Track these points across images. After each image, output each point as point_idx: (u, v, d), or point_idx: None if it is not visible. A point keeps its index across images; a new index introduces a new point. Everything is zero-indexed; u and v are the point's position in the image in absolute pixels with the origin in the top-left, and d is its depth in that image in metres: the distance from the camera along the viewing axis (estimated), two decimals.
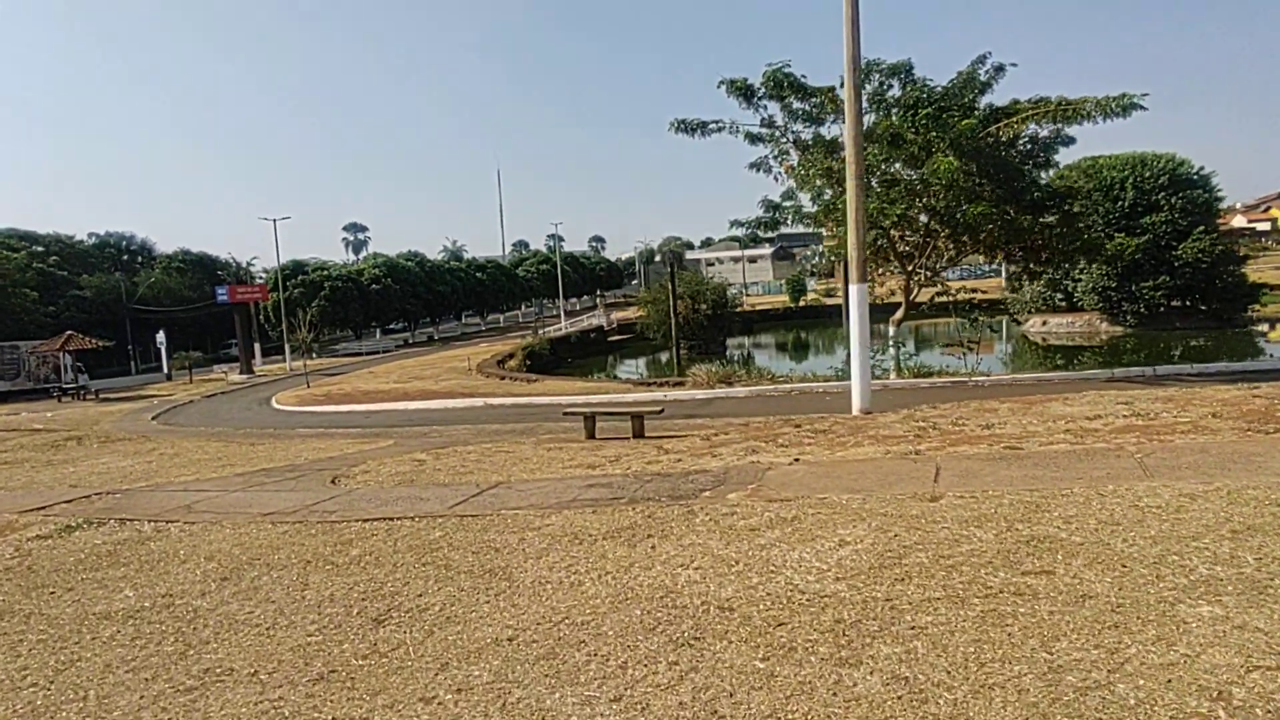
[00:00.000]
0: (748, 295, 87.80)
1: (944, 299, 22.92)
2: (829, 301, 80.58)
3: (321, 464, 12.01)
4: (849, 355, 22.59)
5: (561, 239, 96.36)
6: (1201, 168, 43.15)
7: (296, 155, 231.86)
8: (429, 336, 70.28)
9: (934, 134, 16.88)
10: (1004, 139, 17.91)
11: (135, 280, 68.85)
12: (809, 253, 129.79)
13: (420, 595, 5.45)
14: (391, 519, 7.53)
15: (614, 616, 4.50)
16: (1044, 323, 47.81)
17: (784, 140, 20.41)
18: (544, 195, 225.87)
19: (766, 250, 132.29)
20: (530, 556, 5.91)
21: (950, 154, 16.17)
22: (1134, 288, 42.52)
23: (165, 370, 53.19)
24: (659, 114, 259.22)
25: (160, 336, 53.18)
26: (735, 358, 46.73)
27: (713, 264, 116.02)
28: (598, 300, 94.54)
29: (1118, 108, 15.82)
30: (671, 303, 45.34)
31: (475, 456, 11.48)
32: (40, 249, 68.81)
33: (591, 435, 12.99)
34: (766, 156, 21.30)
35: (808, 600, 4.25)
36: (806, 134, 20.23)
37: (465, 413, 20.60)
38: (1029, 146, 19.65)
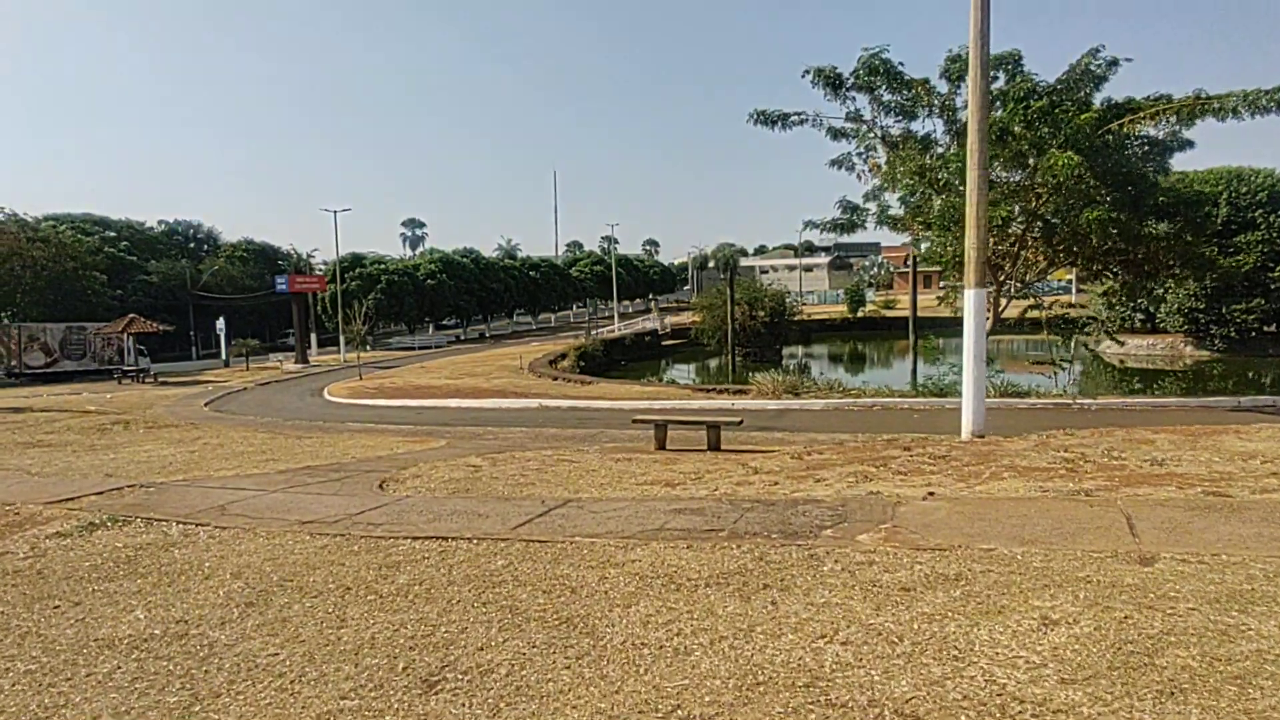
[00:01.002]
0: (804, 304, 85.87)
1: (1036, 313, 21.17)
2: (888, 314, 78.47)
3: (369, 464, 11.05)
4: (961, 370, 21.08)
5: (616, 241, 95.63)
6: None
7: (361, 153, 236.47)
8: (480, 334, 70.04)
9: (1046, 130, 15.30)
10: (1124, 137, 16.18)
11: (200, 268, 70.09)
12: (867, 263, 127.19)
13: (481, 649, 4.32)
14: (445, 539, 6.43)
15: (745, 714, 3.29)
16: (1122, 344, 45.00)
17: (871, 136, 18.98)
18: (598, 197, 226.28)
19: (823, 259, 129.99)
20: (616, 604, 4.74)
21: (1062, 152, 14.56)
22: (1224, 310, 39.60)
23: (224, 357, 53.80)
24: (715, 118, 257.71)
25: (220, 323, 53.84)
26: (792, 367, 45.33)
27: (767, 271, 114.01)
28: (651, 304, 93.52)
29: (1270, 102, 14.04)
30: (729, 308, 44.01)
31: (536, 465, 10.38)
32: (112, 234, 70.46)
33: (662, 446, 11.82)
34: (850, 153, 19.91)
35: (1034, 717, 2.98)
36: (896, 129, 18.79)
37: (520, 414, 19.62)
38: (1145, 149, 17.87)
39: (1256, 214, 38.62)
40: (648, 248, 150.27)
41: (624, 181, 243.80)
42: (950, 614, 4.01)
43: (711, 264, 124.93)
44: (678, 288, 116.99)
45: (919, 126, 18.56)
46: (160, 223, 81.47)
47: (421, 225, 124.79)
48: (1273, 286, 37.51)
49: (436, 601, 5.10)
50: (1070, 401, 16.39)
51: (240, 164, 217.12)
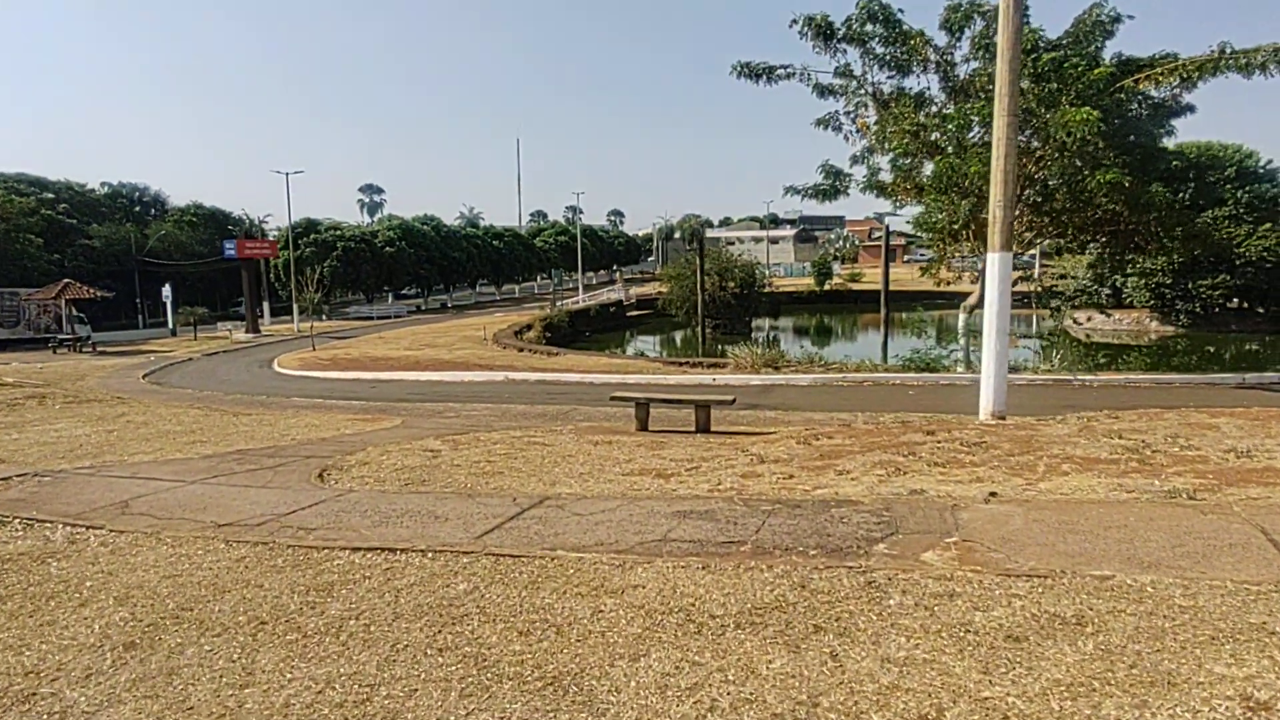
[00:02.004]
0: (772, 277, 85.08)
1: (1026, 285, 20.33)
2: (855, 287, 78.24)
3: (311, 447, 9.67)
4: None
5: (581, 211, 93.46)
6: (1270, 160, 39.60)
7: (319, 117, 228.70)
8: (442, 304, 67.92)
9: (1055, 85, 14.23)
10: (1126, 98, 15.17)
11: (146, 232, 66.67)
12: (833, 236, 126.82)
13: None
14: (393, 550, 5.16)
15: None
16: (1089, 318, 44.77)
17: (861, 93, 17.76)
18: (563, 167, 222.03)
19: (789, 231, 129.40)
20: (619, 654, 3.53)
21: (1075, 108, 13.49)
22: (1190, 286, 39.39)
23: (170, 326, 51.18)
24: (681, 89, 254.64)
25: (166, 290, 51.09)
26: (761, 340, 44.60)
27: (733, 243, 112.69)
28: (616, 275, 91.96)
29: None
30: (699, 279, 42.81)
31: (504, 449, 9.10)
32: (50, 196, 66.56)
33: (645, 427, 10.60)
34: (838, 112, 18.70)
35: None
36: (888, 86, 17.59)
37: (484, 388, 18.24)
38: (1146, 111, 16.92)
39: (1225, 189, 38.31)
40: (612, 218, 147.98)
41: (589, 152, 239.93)
42: (1097, 685, 2.86)
43: (677, 235, 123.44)
44: (642, 259, 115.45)
45: (912, 84, 17.40)
46: (104, 185, 77.35)
47: (380, 191, 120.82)
48: (1238, 262, 37.34)
49: (377, 646, 3.85)
50: (1070, 378, 15.53)
51: (192, 126, 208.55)
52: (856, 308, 69.82)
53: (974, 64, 16.33)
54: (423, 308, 64.92)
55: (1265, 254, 36.83)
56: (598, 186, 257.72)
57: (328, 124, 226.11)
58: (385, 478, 7.71)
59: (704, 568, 4.38)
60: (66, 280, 42.46)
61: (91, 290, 41.83)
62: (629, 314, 59.10)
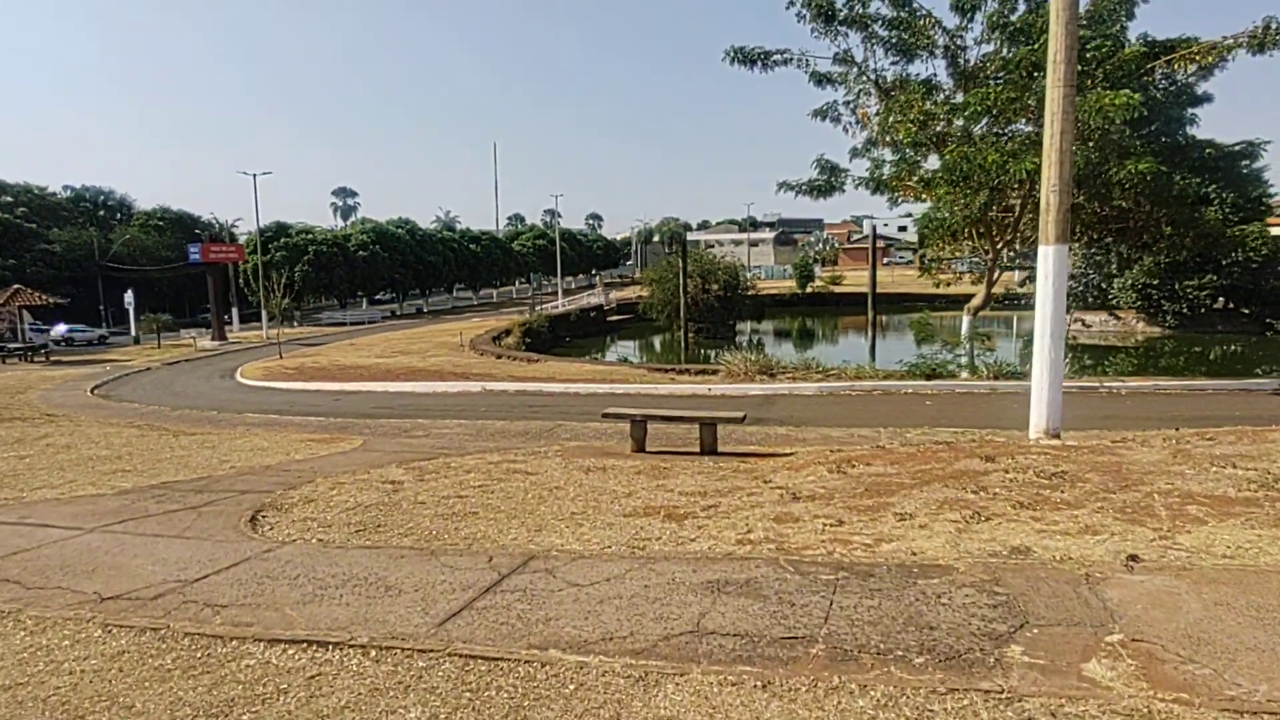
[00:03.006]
0: (754, 279, 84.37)
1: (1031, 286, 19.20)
2: (836, 289, 77.72)
3: (251, 478, 8.20)
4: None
5: (559, 214, 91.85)
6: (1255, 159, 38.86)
7: (291, 121, 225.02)
8: (418, 309, 66.11)
9: (1080, 66, 13.08)
10: (1150, 82, 14.08)
11: (110, 237, 64.27)
12: (812, 239, 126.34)
13: None
14: (324, 646, 3.76)
15: None
16: (1075, 320, 43.94)
17: (863, 79, 16.56)
18: (540, 171, 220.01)
19: (768, 234, 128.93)
20: None
21: (1108, 91, 12.33)
22: (1177, 286, 38.76)
23: (133, 333, 49.06)
24: (657, 93, 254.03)
25: (128, 297, 48.95)
26: (745, 344, 43.60)
27: (712, 246, 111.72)
28: (596, 279, 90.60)
29: None
30: (681, 282, 41.58)
31: (479, 479, 7.70)
32: (8, 199, 64.09)
33: (641, 448, 9.24)
34: (836, 103, 17.51)
35: None
36: (891, 72, 16.42)
37: (459, 400, 16.78)
38: (1165, 98, 15.87)
39: (1210, 189, 37.68)
40: (590, 222, 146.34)
41: (566, 155, 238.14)
42: None
43: (656, 238, 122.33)
44: (621, 263, 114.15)
45: (917, 70, 16.22)
46: (66, 189, 74.80)
47: (354, 195, 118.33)
48: (1224, 262, 36.74)
49: None
50: (1097, 384, 14.39)
51: (160, 130, 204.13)
52: (838, 310, 69.19)
53: (986, 47, 15.19)
54: (398, 313, 63.16)
55: (1251, 255, 36.27)
56: (576, 190, 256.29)
57: (301, 129, 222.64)
58: (332, 521, 6.28)
59: (762, 686, 3.03)
60: (17, 286, 40.35)
61: (45, 296, 39.77)
62: (610, 319, 57.81)
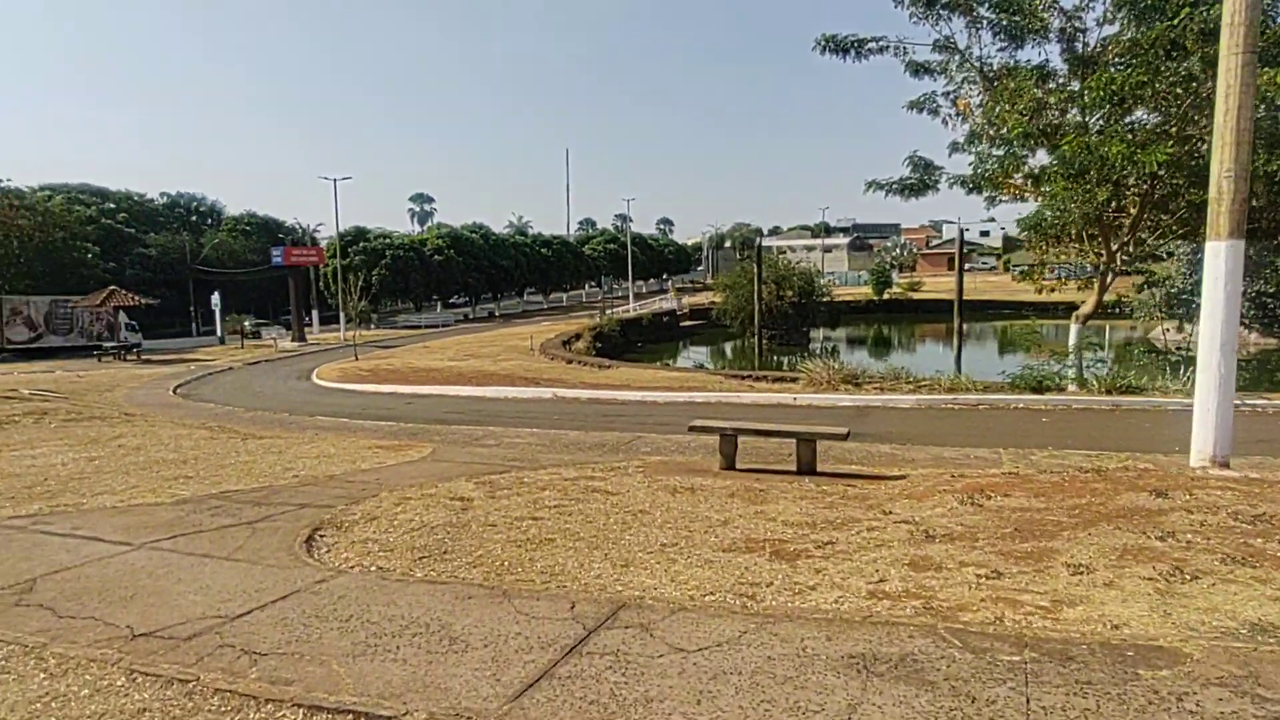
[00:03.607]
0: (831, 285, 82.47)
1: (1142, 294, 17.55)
2: (915, 296, 75.16)
3: (313, 490, 7.67)
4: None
5: (630, 219, 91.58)
6: None
7: (368, 125, 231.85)
8: (489, 312, 66.63)
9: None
10: None
11: (201, 241, 66.90)
12: (889, 244, 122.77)
13: None
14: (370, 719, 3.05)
15: None
16: (1171, 329, 40.72)
17: (967, 67, 15.32)
18: (612, 175, 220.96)
19: (842, 240, 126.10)
20: None
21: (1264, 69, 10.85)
22: None
23: (219, 334, 50.73)
24: (732, 98, 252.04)
25: (215, 298, 50.62)
26: (819, 350, 42.28)
27: (784, 252, 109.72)
28: (668, 284, 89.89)
29: None
30: (756, 288, 40.45)
31: (555, 498, 6.96)
32: (110, 206, 67.26)
33: (731, 465, 8.37)
34: (934, 94, 16.28)
35: None
36: (998, 60, 15.14)
37: (530, 407, 16.19)
38: None
39: None
40: (661, 227, 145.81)
41: (638, 160, 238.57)
42: None
43: (728, 244, 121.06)
44: (693, 268, 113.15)
45: (1026, 56, 14.91)
46: (162, 195, 78.24)
47: (430, 200, 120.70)
48: None
49: None
50: (1238, 401, 12.79)
51: (250, 137, 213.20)
52: (915, 318, 66.83)
53: (1109, 29, 13.79)
54: (470, 316, 63.77)
55: None
56: (647, 195, 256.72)
57: (386, 133, 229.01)
58: (394, 544, 5.62)
59: None
60: (113, 287, 42.07)
61: (137, 297, 41.32)
62: (682, 324, 57.09)
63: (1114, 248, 16.75)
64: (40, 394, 19.08)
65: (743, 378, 21.17)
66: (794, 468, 8.15)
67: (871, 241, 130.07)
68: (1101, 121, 14.57)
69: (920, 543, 4.99)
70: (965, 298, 50.36)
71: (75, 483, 8.32)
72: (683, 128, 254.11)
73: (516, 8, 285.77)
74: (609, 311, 52.66)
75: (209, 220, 78.34)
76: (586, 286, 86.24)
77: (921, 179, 17.46)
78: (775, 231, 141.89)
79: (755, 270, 41.39)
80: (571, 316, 55.05)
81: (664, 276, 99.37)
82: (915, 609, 3.84)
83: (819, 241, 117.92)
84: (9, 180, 50.95)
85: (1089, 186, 13.63)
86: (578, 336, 38.32)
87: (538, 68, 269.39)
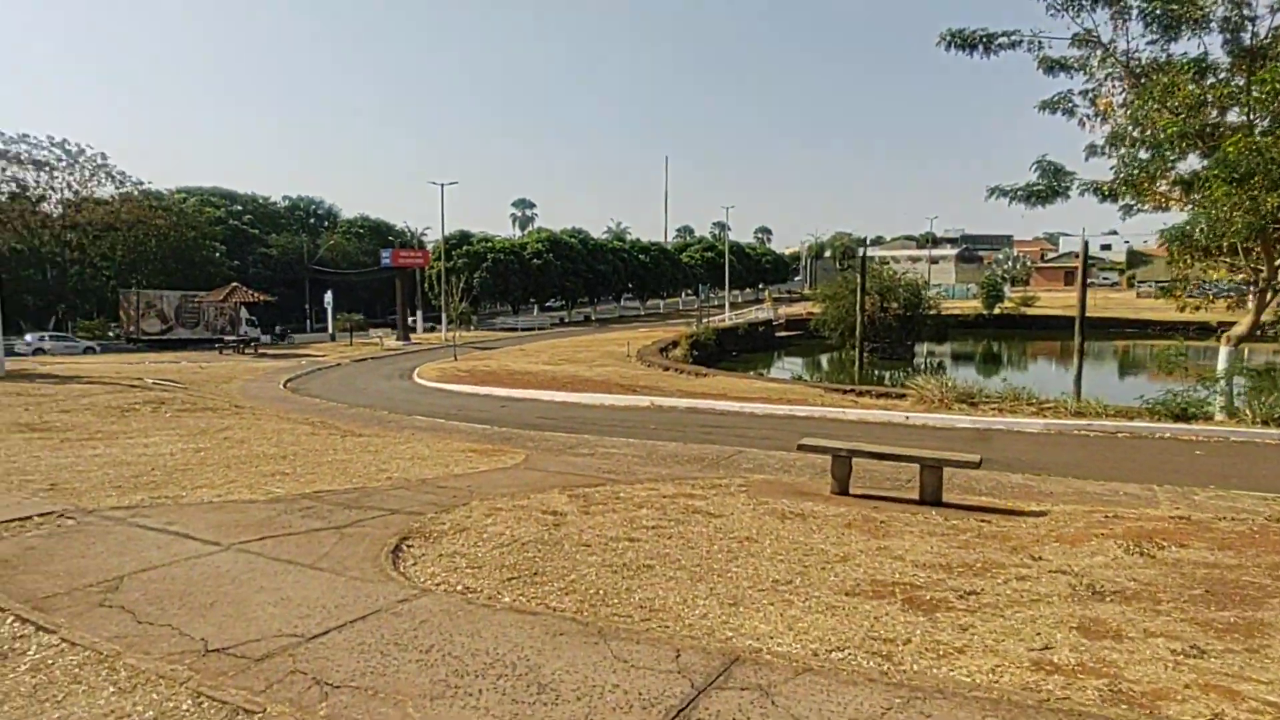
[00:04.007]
0: (939, 297, 79.16)
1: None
2: (1028, 311, 70.97)
3: (404, 494, 7.44)
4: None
5: (728, 226, 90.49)
6: None
7: (475, 132, 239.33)
8: (585, 316, 67.13)
9: None
10: None
11: (317, 242, 70.29)
12: (1000, 256, 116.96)
13: None
14: None
15: None
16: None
17: (1111, 61, 14.01)
18: (710, 183, 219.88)
19: (949, 251, 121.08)
20: None
21: None
22: None
23: (330, 331, 52.99)
24: (833, 104, 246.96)
25: (328, 297, 52.95)
26: (924, 366, 40.37)
27: (887, 262, 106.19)
28: (765, 293, 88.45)
29: None
30: (859, 299, 38.97)
31: (652, 518, 6.46)
32: (238, 208, 71.56)
33: (844, 489, 7.66)
34: (1070, 92, 14.99)
35: None
36: (1147, 53, 13.78)
37: (626, 415, 15.80)
38: None
39: None
40: (759, 236, 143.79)
41: (737, 168, 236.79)
42: None
43: (828, 253, 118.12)
44: (790, 278, 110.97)
45: (1181, 49, 13.49)
46: (284, 198, 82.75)
47: (531, 205, 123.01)
48: None
49: None
50: None
51: (365, 142, 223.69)
52: (1028, 334, 63.08)
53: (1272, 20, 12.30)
54: (566, 320, 64.40)
55: None
56: (745, 203, 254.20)
57: (488, 140, 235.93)
58: (482, 561, 5.24)
59: None
60: (234, 284, 44.46)
61: (257, 294, 43.52)
62: (778, 334, 55.85)
63: (1277, 262, 14.98)
64: (162, 384, 20.07)
65: (844, 392, 20.19)
66: (916, 496, 7.38)
67: (981, 253, 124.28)
68: (1268, 121, 13.04)
69: (1086, 600, 4.21)
70: (1087, 315, 47.10)
71: (179, 474, 8.40)
72: (784, 134, 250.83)
73: (623, 17, 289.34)
74: (705, 320, 52.07)
75: (325, 223, 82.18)
76: (683, 294, 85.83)
77: (1051, 185, 16.16)
78: (878, 241, 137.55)
79: (859, 280, 39.92)
80: (668, 324, 54.71)
81: (760, 286, 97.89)
82: (1100, 692, 3.13)
83: (924, 252, 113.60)
84: (149, 183, 54.84)
85: (1255, 193, 12.15)
86: (675, 344, 37.88)
87: (641, 75, 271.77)
